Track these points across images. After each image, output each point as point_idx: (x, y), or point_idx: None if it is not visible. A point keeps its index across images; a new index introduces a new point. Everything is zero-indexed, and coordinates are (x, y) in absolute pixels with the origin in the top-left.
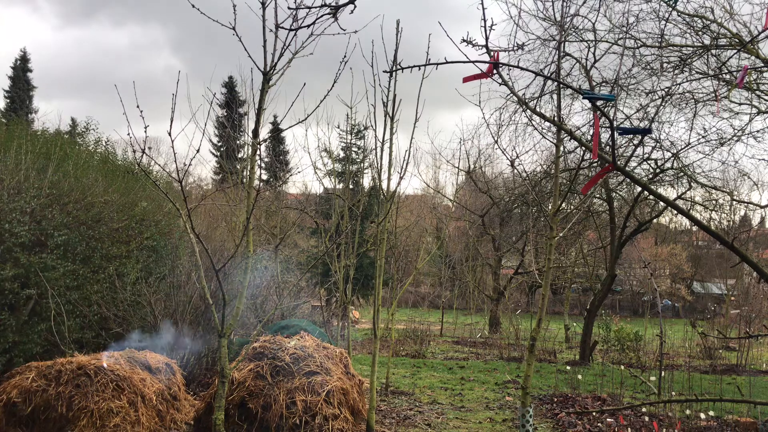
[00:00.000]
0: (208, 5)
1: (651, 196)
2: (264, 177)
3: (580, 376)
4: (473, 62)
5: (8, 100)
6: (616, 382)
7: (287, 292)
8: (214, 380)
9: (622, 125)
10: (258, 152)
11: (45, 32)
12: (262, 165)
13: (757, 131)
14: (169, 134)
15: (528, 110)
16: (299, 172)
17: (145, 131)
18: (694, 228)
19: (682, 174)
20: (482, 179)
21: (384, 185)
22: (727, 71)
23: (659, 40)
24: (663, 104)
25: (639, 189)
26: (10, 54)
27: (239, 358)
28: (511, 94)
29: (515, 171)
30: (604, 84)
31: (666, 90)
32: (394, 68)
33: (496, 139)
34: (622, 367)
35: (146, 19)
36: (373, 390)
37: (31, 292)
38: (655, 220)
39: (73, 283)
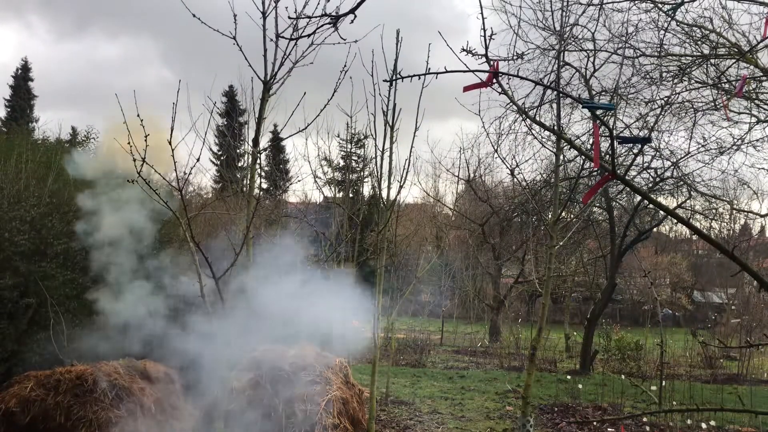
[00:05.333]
0: (205, 16)
1: (651, 205)
2: (264, 186)
3: (580, 386)
4: (473, 71)
5: (9, 109)
6: (617, 391)
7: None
8: (213, 389)
9: (621, 134)
10: (258, 161)
11: (39, 46)
12: (262, 174)
13: (757, 140)
14: (169, 143)
15: (528, 119)
16: (299, 181)
17: (146, 140)
18: (695, 237)
19: (681, 183)
20: (482, 188)
21: (384, 194)
22: (726, 80)
23: (658, 49)
24: (662, 113)
25: (639, 198)
26: (5, 66)
27: (239, 366)
28: (511, 103)
29: (515, 180)
30: (603, 93)
31: (665, 99)
32: (394, 77)
33: (495, 148)
34: (623, 376)
35: (138, 32)
36: (373, 400)
37: (31, 300)
38: (655, 229)
39: (72, 292)
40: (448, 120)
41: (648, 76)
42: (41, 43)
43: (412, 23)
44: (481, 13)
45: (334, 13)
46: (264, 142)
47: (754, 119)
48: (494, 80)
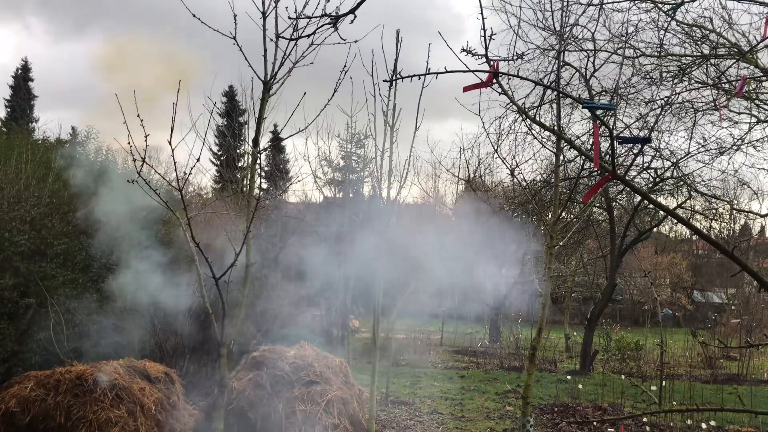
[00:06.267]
0: (205, 16)
1: (651, 205)
2: (264, 186)
3: (580, 386)
4: (473, 71)
5: (9, 110)
6: (617, 391)
7: (287, 301)
8: (213, 389)
9: (621, 134)
10: (258, 161)
11: (38, 46)
12: (262, 174)
13: (757, 140)
14: (170, 143)
15: (528, 119)
16: (299, 181)
17: (146, 140)
18: (695, 237)
19: (681, 183)
20: (482, 188)
21: (384, 194)
22: (726, 81)
23: (658, 49)
24: (662, 113)
25: (639, 198)
26: (5, 67)
27: (238, 367)
28: (511, 104)
29: (515, 180)
30: (603, 93)
31: (665, 99)
32: (394, 77)
33: (495, 148)
34: (623, 376)
35: (138, 32)
36: (373, 400)
37: (31, 301)
38: (655, 229)
39: (72, 292)
40: (448, 120)
41: (648, 76)
42: (41, 44)
43: (409, 24)
44: (481, 13)
45: (334, 14)
46: (264, 142)
47: (754, 119)
48: (494, 80)
